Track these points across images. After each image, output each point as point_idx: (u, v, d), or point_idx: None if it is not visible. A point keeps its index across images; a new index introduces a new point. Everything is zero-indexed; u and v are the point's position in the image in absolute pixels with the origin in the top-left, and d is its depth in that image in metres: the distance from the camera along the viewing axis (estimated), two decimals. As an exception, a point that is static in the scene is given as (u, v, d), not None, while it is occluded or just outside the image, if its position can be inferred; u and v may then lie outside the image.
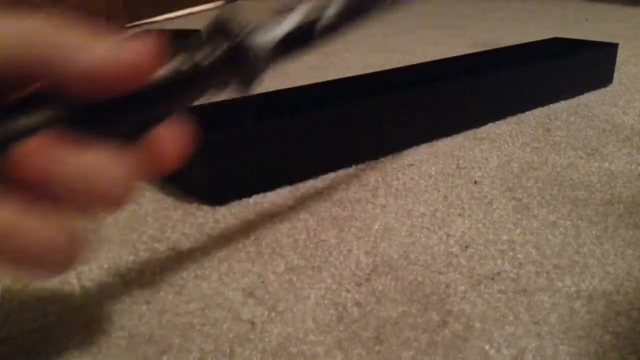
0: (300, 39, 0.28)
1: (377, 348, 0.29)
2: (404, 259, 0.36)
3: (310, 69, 0.88)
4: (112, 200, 0.22)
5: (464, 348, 0.28)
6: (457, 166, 0.51)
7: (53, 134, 0.21)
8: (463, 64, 0.67)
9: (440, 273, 0.35)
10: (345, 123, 0.50)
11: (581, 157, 0.53)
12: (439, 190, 0.46)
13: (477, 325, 0.30)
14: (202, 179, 0.44)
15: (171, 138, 0.24)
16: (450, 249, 0.37)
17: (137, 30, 1.25)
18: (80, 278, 0.35)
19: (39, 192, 0.21)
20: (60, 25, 0.21)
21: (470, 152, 0.54)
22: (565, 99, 0.70)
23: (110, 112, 0.22)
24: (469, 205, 0.43)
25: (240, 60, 0.25)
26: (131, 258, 0.37)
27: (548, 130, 0.60)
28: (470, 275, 0.34)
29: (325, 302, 0.32)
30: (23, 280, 0.34)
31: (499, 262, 0.36)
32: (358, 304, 0.32)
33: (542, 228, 0.40)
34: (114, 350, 0.29)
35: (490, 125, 0.61)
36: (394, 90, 0.54)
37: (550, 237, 0.39)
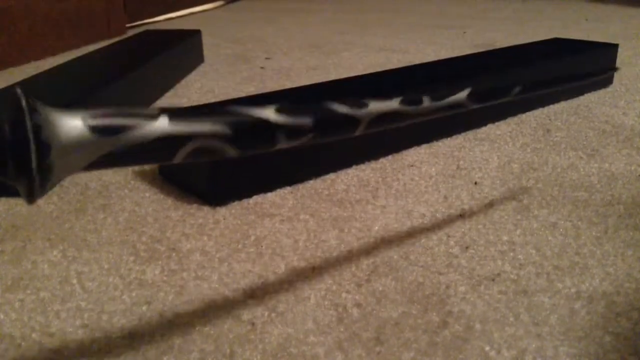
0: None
1: (377, 349, 0.29)
2: (404, 259, 0.36)
3: (310, 69, 0.88)
4: None
5: (464, 349, 0.28)
6: (458, 167, 0.51)
7: None
8: (463, 64, 0.67)
9: (440, 274, 0.35)
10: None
11: (581, 158, 0.53)
12: (439, 191, 0.46)
13: (478, 326, 0.30)
14: (202, 180, 0.44)
15: None
16: (450, 250, 0.37)
17: (137, 30, 1.25)
18: (80, 278, 0.35)
19: None
20: None
21: (471, 153, 0.54)
22: (565, 99, 0.70)
23: None
24: (469, 206, 0.43)
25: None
26: (131, 258, 0.37)
27: (548, 131, 0.60)
28: (471, 276, 0.34)
29: (326, 302, 0.32)
30: (23, 280, 0.34)
31: (499, 263, 0.36)
32: (358, 305, 0.32)
33: (543, 229, 0.40)
34: (114, 350, 0.29)
35: (490, 125, 0.61)
36: (394, 90, 0.54)
37: (550, 238, 0.39)
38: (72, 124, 0.20)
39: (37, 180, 0.20)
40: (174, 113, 0.23)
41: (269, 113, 0.25)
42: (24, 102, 0.19)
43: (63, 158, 0.20)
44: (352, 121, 0.27)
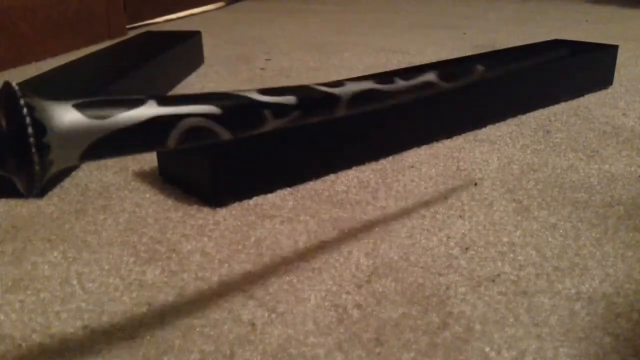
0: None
1: (377, 350, 0.29)
2: (404, 260, 0.36)
3: (311, 69, 0.88)
4: None
5: (464, 350, 0.28)
6: (458, 168, 0.51)
7: None
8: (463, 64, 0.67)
9: (440, 275, 0.35)
10: (345, 124, 0.50)
11: (581, 159, 0.53)
12: (439, 192, 0.46)
13: (478, 327, 0.30)
14: (203, 181, 0.44)
15: None
16: (450, 251, 0.37)
17: (137, 31, 1.26)
18: (81, 279, 0.35)
19: None
20: None
21: (471, 154, 0.54)
22: (565, 100, 0.70)
23: None
24: (469, 207, 0.43)
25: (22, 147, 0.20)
26: (132, 259, 0.37)
27: (548, 132, 0.60)
28: (471, 277, 0.34)
29: (326, 303, 0.32)
30: (23, 280, 0.35)
31: (499, 264, 0.36)
32: (358, 306, 0.32)
33: (543, 230, 0.40)
34: (114, 351, 0.29)
35: (490, 127, 0.61)
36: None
37: (550, 239, 0.39)
38: (65, 110, 0.21)
39: (38, 168, 0.20)
40: (163, 98, 0.23)
41: (254, 94, 0.26)
42: (19, 94, 0.20)
43: (59, 145, 0.20)
44: (333, 99, 0.28)
